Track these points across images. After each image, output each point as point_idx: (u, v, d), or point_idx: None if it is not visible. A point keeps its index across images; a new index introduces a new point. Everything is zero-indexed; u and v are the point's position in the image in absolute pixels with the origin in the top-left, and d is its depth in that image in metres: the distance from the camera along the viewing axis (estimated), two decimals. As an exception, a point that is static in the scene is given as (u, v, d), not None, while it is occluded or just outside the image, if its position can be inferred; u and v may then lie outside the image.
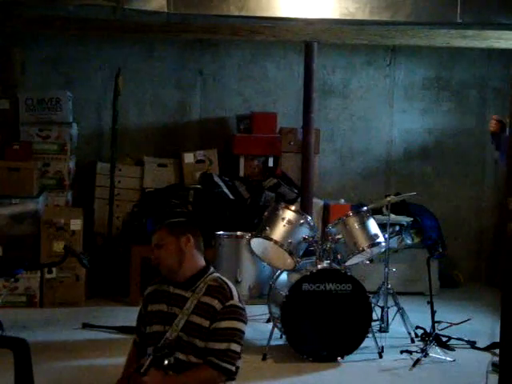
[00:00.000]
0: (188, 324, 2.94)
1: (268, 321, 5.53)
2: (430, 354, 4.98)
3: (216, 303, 2.93)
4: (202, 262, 3.08)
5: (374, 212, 5.54)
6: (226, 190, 6.60)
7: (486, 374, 4.16)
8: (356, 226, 5.08)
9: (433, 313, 5.24)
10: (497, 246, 7.45)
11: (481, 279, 7.56)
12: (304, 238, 5.06)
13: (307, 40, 6.21)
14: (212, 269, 3.10)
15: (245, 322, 3.00)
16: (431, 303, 5.25)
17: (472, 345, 5.29)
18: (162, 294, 3.07)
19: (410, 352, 5.05)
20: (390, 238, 5.65)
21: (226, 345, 2.91)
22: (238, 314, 2.96)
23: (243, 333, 2.98)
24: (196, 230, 3.13)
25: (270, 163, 6.96)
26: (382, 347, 5.04)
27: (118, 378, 3.08)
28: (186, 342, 2.93)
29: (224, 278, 3.07)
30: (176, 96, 7.25)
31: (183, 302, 2.98)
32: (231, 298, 2.96)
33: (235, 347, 2.94)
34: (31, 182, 6.20)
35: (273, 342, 5.01)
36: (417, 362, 4.86)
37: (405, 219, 6.44)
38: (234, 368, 2.95)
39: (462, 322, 5.60)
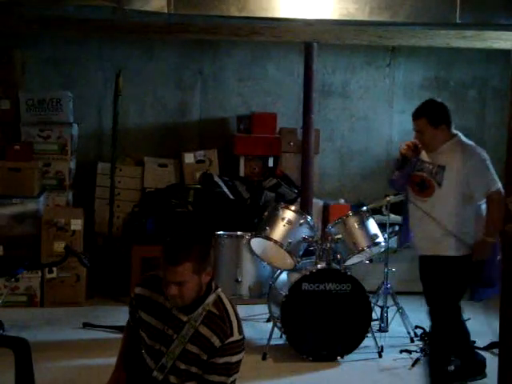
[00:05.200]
0: (185, 352, 2.82)
1: (268, 320, 5.55)
2: (430, 354, 4.99)
3: (215, 340, 2.79)
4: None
5: (374, 212, 5.56)
6: (226, 190, 6.61)
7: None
8: (356, 225, 5.10)
9: (432, 312, 5.25)
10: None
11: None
12: (304, 238, 5.07)
13: (307, 40, 6.22)
14: (213, 285, 2.89)
15: (243, 350, 2.87)
16: (431, 303, 5.26)
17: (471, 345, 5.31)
18: (159, 308, 2.88)
19: (410, 351, 5.07)
20: (389, 237, 5.66)
21: (225, 378, 2.81)
22: (237, 348, 2.83)
23: (241, 361, 2.87)
24: (212, 253, 2.86)
25: (270, 163, 6.97)
26: (382, 347, 5.06)
27: (113, 370, 3.07)
28: (182, 370, 2.84)
29: (225, 301, 2.87)
30: (176, 96, 7.27)
31: (180, 327, 2.82)
32: (231, 334, 2.80)
33: (233, 379, 2.85)
34: (32, 182, 6.21)
35: (273, 342, 5.02)
36: (416, 361, 4.88)
37: (404, 219, 6.44)
38: None
39: (461, 322, 5.61)
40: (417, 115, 4.28)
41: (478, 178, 4.16)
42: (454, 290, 4.27)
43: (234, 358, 2.82)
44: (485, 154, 4.26)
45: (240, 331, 2.84)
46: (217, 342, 2.79)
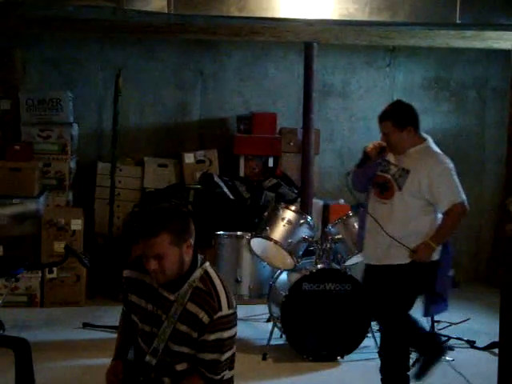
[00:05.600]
0: (175, 333, 2.75)
1: (268, 321, 5.55)
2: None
3: (203, 316, 2.71)
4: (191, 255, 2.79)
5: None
6: (226, 190, 6.62)
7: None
8: (356, 225, 5.09)
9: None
10: (496, 246, 7.46)
11: (480, 279, 7.57)
12: (304, 238, 5.07)
13: (307, 40, 6.23)
14: (199, 260, 2.81)
15: (235, 325, 2.78)
16: (430, 303, 5.26)
17: (471, 344, 5.32)
18: (147, 288, 2.82)
19: (410, 351, 5.06)
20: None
21: (217, 355, 2.73)
22: (228, 323, 2.74)
23: (234, 337, 2.78)
24: (191, 225, 2.78)
25: (270, 163, 6.97)
26: (382, 347, 5.06)
27: (112, 359, 3.00)
28: (175, 351, 2.77)
29: (212, 275, 2.80)
30: (176, 96, 7.27)
31: (168, 307, 2.76)
32: (219, 309, 2.71)
33: (227, 356, 2.77)
34: (32, 182, 6.21)
35: (273, 342, 5.03)
36: (416, 361, 4.87)
37: (404, 219, 6.44)
38: (227, 374, 2.80)
39: (461, 322, 5.62)
40: (382, 117, 4.20)
41: (443, 188, 4.05)
42: (404, 299, 4.15)
43: (226, 334, 2.73)
44: (451, 164, 4.13)
45: (230, 305, 2.75)
46: (205, 317, 2.71)
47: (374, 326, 5.24)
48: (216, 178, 6.72)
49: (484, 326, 5.71)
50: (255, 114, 7.01)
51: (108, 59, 7.10)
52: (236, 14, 4.51)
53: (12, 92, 6.61)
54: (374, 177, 4.22)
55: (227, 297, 2.77)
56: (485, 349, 5.22)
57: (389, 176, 4.14)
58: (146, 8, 4.51)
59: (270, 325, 5.15)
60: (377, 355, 4.98)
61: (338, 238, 5.08)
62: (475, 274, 7.65)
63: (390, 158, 4.21)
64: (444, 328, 5.44)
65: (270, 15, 4.61)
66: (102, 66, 7.11)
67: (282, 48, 7.27)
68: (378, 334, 5.20)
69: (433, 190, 4.03)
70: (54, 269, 5.96)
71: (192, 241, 2.76)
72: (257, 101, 7.35)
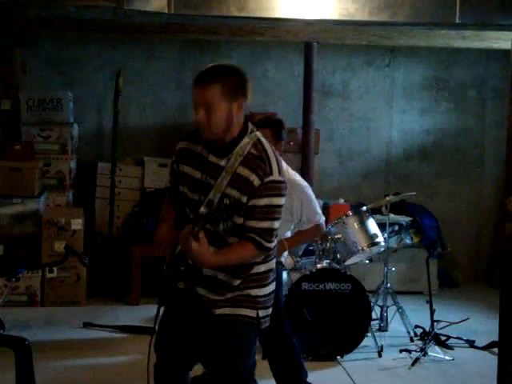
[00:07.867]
0: (224, 198, 2.72)
1: (268, 320, 5.54)
2: (429, 353, 5.00)
3: (254, 178, 2.69)
4: (242, 121, 2.79)
5: (374, 212, 5.56)
6: (226, 190, 6.61)
7: None
8: (355, 225, 5.10)
9: (432, 312, 5.26)
10: (496, 246, 7.46)
11: (480, 279, 7.58)
12: (304, 238, 5.06)
13: (307, 40, 6.23)
14: (250, 127, 2.81)
15: (284, 195, 2.77)
16: (430, 302, 5.27)
17: (471, 344, 5.32)
18: (196, 158, 2.83)
19: (409, 351, 5.07)
20: (389, 237, 5.67)
21: (268, 223, 2.73)
22: (278, 190, 2.73)
23: (282, 206, 2.78)
24: (248, 88, 2.78)
25: (270, 163, 6.96)
26: (382, 346, 5.06)
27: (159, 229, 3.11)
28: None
29: (264, 143, 2.79)
30: (176, 96, 7.27)
31: (218, 173, 2.74)
32: (270, 173, 2.70)
33: (275, 225, 2.76)
34: (32, 182, 6.22)
35: (273, 341, 5.02)
36: (416, 361, 4.88)
37: (404, 219, 6.47)
38: (272, 245, 2.80)
39: (460, 322, 5.62)
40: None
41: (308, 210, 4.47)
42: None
43: (276, 201, 2.73)
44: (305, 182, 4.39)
45: (280, 173, 2.76)
46: (256, 180, 2.70)
47: (374, 325, 5.25)
48: (216, 178, 6.71)
49: (483, 326, 5.71)
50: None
51: (108, 59, 7.10)
52: (236, 13, 4.52)
53: (12, 92, 6.62)
54: None
55: (278, 165, 2.78)
56: (484, 348, 5.23)
57: None
58: (146, 8, 4.51)
59: (270, 324, 5.14)
60: (376, 355, 5.00)
61: (338, 238, 5.08)
62: (475, 273, 7.66)
63: None
64: (444, 327, 5.44)
65: (270, 15, 4.62)
66: (102, 66, 7.12)
67: (282, 48, 7.27)
68: (377, 334, 5.22)
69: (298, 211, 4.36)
70: (55, 268, 5.96)
71: (244, 103, 2.78)
72: (257, 101, 7.32)
